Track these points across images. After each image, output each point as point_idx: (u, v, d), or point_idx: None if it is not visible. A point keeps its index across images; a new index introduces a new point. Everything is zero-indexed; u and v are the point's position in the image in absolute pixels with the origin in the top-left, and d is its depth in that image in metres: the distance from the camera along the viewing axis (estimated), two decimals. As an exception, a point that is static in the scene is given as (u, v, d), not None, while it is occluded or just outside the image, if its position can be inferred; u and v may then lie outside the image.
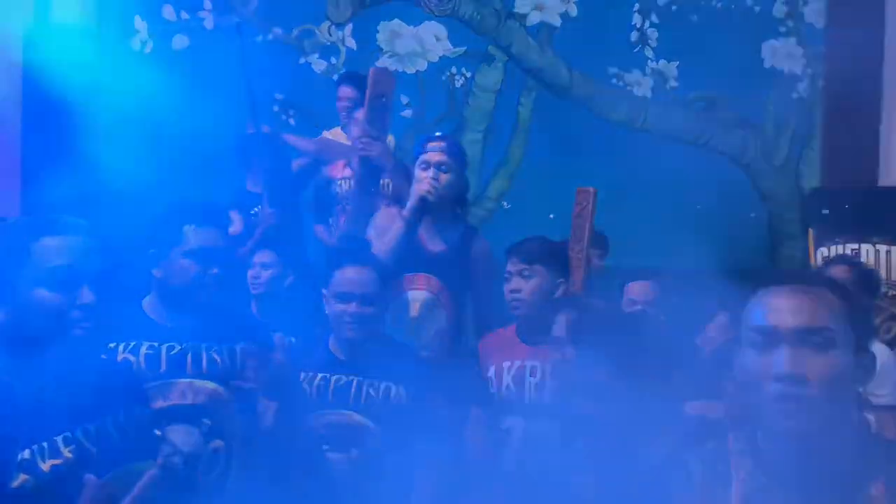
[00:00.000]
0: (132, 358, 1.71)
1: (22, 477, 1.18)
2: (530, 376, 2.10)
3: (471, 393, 2.25)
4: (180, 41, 4.40)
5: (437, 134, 2.56)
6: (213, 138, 3.85)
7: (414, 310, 2.35)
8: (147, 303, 1.81)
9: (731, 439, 1.09)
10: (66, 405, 1.28)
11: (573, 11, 4.78)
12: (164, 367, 1.72)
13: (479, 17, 4.69)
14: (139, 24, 4.34)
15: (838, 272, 2.71)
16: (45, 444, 1.22)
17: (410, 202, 2.34)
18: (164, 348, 1.75)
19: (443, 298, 2.37)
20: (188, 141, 3.89)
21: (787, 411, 0.98)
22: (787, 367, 0.98)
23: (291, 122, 4.37)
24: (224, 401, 1.76)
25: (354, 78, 3.37)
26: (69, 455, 1.24)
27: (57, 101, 4.01)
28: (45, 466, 1.21)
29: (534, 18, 4.76)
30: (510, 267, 2.17)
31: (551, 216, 4.45)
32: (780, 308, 1.01)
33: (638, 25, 4.87)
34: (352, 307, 1.90)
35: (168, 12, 4.37)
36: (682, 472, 1.11)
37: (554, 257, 2.18)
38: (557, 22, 4.78)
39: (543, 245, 2.19)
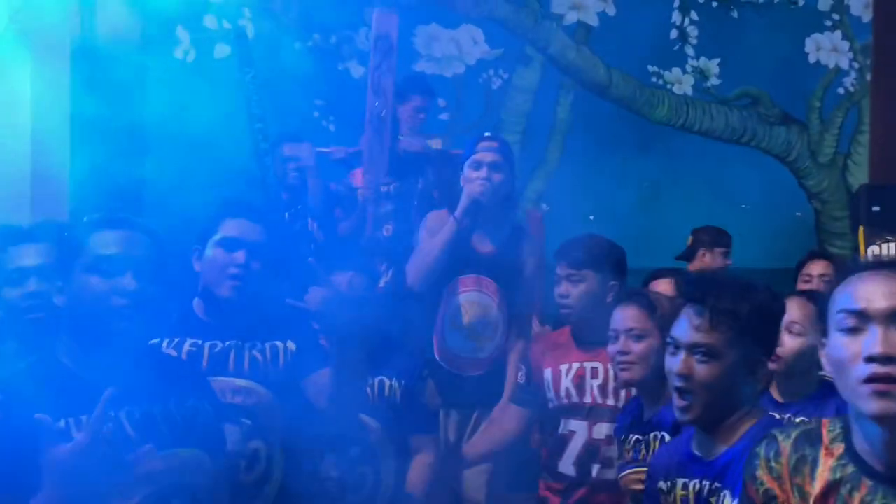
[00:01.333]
0: (175, 354, 1.69)
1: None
2: (592, 378, 2.06)
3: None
4: (222, 50, 4.50)
5: (488, 134, 2.48)
6: (255, 146, 3.92)
7: (468, 312, 2.31)
8: (196, 301, 1.79)
9: (823, 423, 1.10)
10: (119, 388, 1.25)
11: (611, 10, 4.79)
12: (205, 364, 1.70)
13: (515, 18, 4.70)
14: (181, 33, 4.45)
15: None
16: (83, 418, 1.21)
17: (463, 202, 2.30)
18: (206, 346, 1.73)
19: (496, 299, 2.33)
20: (229, 150, 3.93)
21: (878, 392, 0.98)
22: (879, 348, 0.99)
23: (331, 128, 4.44)
24: (265, 400, 1.73)
25: (420, 83, 3.43)
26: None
27: (103, 113, 4.13)
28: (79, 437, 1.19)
29: (571, 18, 4.78)
30: (559, 271, 2.12)
31: (591, 217, 4.47)
32: (872, 291, 1.02)
33: (677, 23, 4.86)
34: (239, 257, 1.69)
35: (210, 21, 4.47)
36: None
37: (605, 259, 2.11)
38: (595, 21, 4.79)
39: (593, 247, 2.12)
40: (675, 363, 1.33)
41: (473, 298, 2.33)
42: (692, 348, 1.32)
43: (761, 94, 4.89)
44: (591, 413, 2.04)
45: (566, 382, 2.07)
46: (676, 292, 1.41)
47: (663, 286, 2.50)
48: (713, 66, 4.86)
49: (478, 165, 2.32)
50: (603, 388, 2.04)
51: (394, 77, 2.90)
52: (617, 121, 4.74)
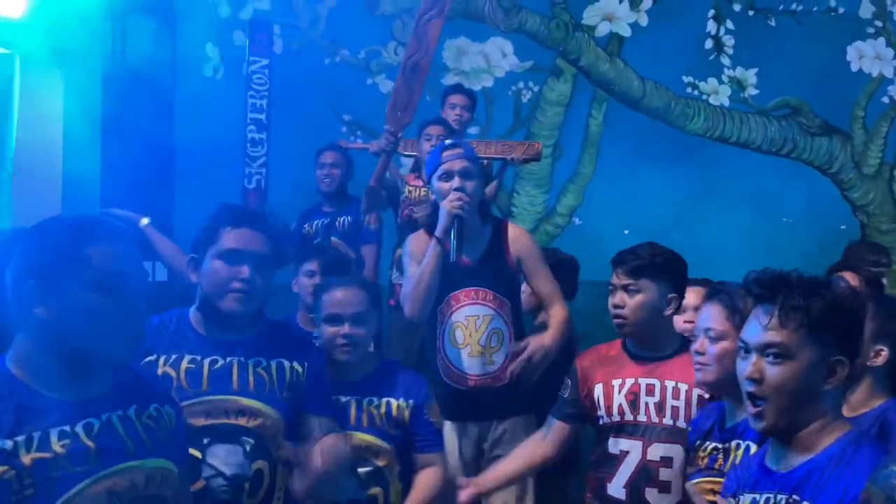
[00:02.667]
0: (172, 373, 1.59)
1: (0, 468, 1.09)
2: (647, 395, 1.95)
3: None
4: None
5: (448, 141, 2.35)
6: (283, 160, 3.92)
7: (468, 328, 2.20)
8: (192, 313, 1.65)
9: None
10: (79, 399, 1.19)
11: (644, 21, 4.77)
12: (205, 383, 1.58)
13: (545, 30, 4.68)
14: (211, 50, 4.50)
15: None
16: (34, 436, 1.13)
17: (443, 222, 2.15)
18: (206, 363, 1.60)
19: (496, 306, 2.21)
20: (256, 165, 3.94)
21: None
22: None
23: (359, 142, 4.42)
24: (271, 422, 1.60)
25: (462, 87, 3.46)
26: (60, 450, 1.14)
27: (133, 128, 4.17)
28: (27, 459, 1.11)
29: (603, 29, 4.76)
30: (614, 279, 1.96)
31: (626, 232, 4.38)
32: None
33: (713, 32, 4.81)
34: (243, 271, 1.65)
35: (239, 38, 4.51)
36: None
37: (665, 269, 1.97)
38: (627, 32, 4.76)
39: (654, 255, 1.97)
40: (745, 367, 1.26)
41: (471, 312, 2.22)
42: (762, 349, 1.24)
43: (801, 103, 4.82)
44: (645, 432, 1.92)
45: (619, 399, 1.95)
46: (745, 292, 1.32)
47: (692, 296, 2.42)
48: (750, 75, 4.80)
49: (447, 176, 2.18)
50: (660, 407, 1.92)
51: (440, 28, 2.87)
52: (651, 133, 4.70)
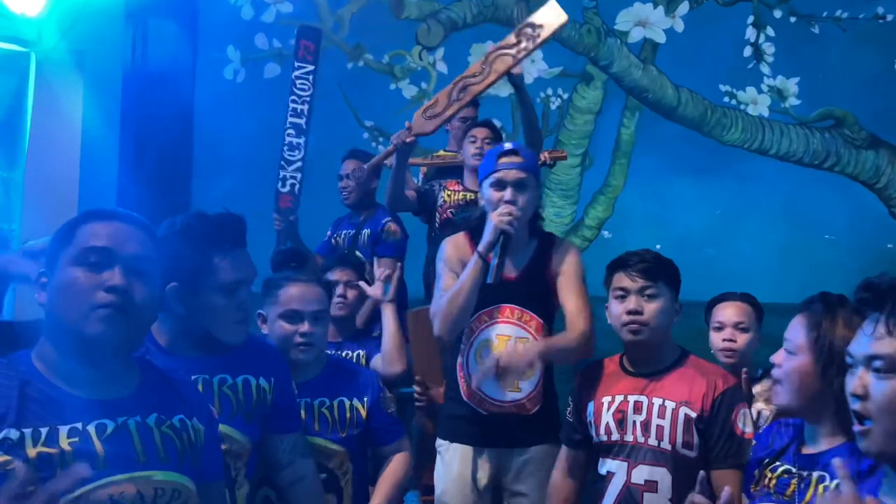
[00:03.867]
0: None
1: (2, 457, 1.06)
2: (635, 413, 1.85)
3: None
4: (272, 70, 4.52)
5: (508, 146, 2.11)
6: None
7: (502, 347, 2.02)
8: (155, 325, 1.52)
9: None
10: (99, 398, 1.16)
11: (679, 26, 4.65)
12: None
13: (576, 35, 4.59)
14: (232, 53, 4.49)
15: None
16: (42, 430, 1.10)
17: (488, 236, 1.99)
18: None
19: (532, 328, 2.05)
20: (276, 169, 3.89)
21: None
22: None
23: (381, 148, 4.36)
24: (236, 445, 1.51)
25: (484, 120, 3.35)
26: (67, 448, 1.10)
27: (153, 136, 4.18)
28: (32, 452, 1.08)
29: (636, 35, 4.65)
30: (626, 283, 1.86)
31: (658, 247, 4.20)
32: None
33: (752, 39, 4.67)
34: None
35: (261, 41, 4.49)
36: None
37: (673, 276, 1.91)
38: (662, 38, 4.65)
39: (664, 260, 1.91)
40: (851, 382, 1.17)
41: (503, 331, 2.05)
42: (868, 362, 1.14)
43: (846, 114, 4.65)
44: (631, 453, 1.84)
45: (607, 417, 1.87)
46: (855, 301, 1.22)
47: (730, 310, 2.30)
48: (791, 85, 4.66)
49: (500, 185, 2.03)
50: (646, 426, 1.83)
51: (509, 66, 2.71)
52: (686, 143, 4.58)
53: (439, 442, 2.14)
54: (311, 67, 3.60)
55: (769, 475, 1.50)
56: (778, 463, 1.50)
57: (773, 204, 4.53)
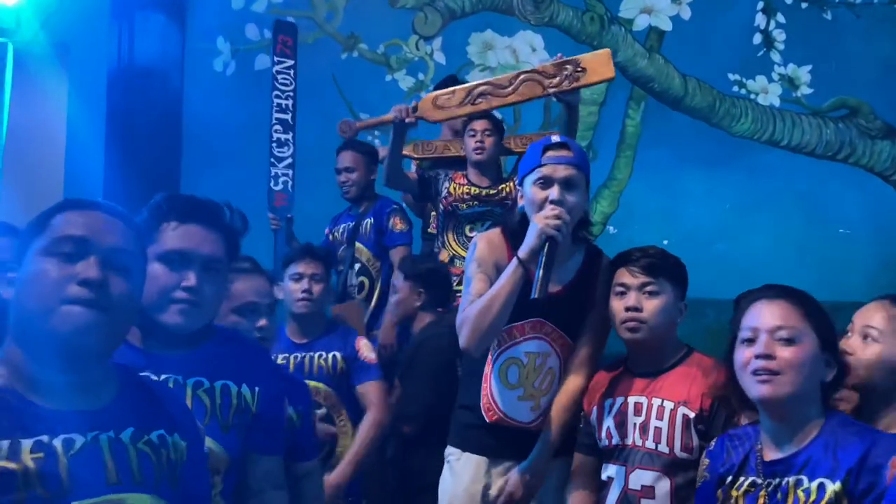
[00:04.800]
0: None
1: None
2: (634, 415, 1.77)
3: None
4: (263, 61, 4.45)
5: (556, 138, 1.88)
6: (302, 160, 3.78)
7: (530, 366, 1.89)
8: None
9: None
10: (69, 409, 1.05)
11: (686, 13, 4.55)
12: None
13: (579, 24, 4.49)
14: (222, 44, 4.39)
15: None
16: (3, 443, 0.99)
17: (531, 241, 1.76)
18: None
19: (559, 347, 1.90)
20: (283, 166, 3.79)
21: None
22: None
23: (377, 142, 4.27)
24: (213, 459, 1.36)
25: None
26: (31, 465, 0.99)
27: (140, 131, 4.11)
28: None
29: (641, 23, 4.56)
30: (626, 279, 1.80)
31: (665, 242, 4.15)
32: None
33: (761, 26, 4.57)
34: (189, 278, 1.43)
35: (251, 31, 4.40)
36: None
37: (678, 273, 1.83)
38: (668, 26, 4.55)
39: (668, 257, 1.83)
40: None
41: (532, 349, 1.88)
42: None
43: (860, 104, 4.55)
44: (629, 457, 1.76)
45: (608, 421, 1.81)
46: None
47: (876, 314, 2.16)
48: (803, 73, 4.56)
49: (546, 182, 1.81)
50: (644, 428, 1.75)
51: (534, 91, 2.56)
52: (694, 135, 4.48)
53: (449, 450, 2.01)
54: (290, 62, 3.58)
55: (735, 494, 1.42)
56: (742, 478, 1.42)
57: (785, 197, 4.42)
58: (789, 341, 1.37)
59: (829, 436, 1.35)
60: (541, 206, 1.81)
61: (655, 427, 1.73)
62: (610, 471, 1.78)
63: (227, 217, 1.44)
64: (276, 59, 3.58)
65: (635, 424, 1.76)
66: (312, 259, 2.50)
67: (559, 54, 2.54)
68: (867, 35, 4.52)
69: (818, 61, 4.53)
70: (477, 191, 3.05)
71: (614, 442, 1.79)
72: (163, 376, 1.37)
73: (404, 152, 3.25)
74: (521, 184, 1.91)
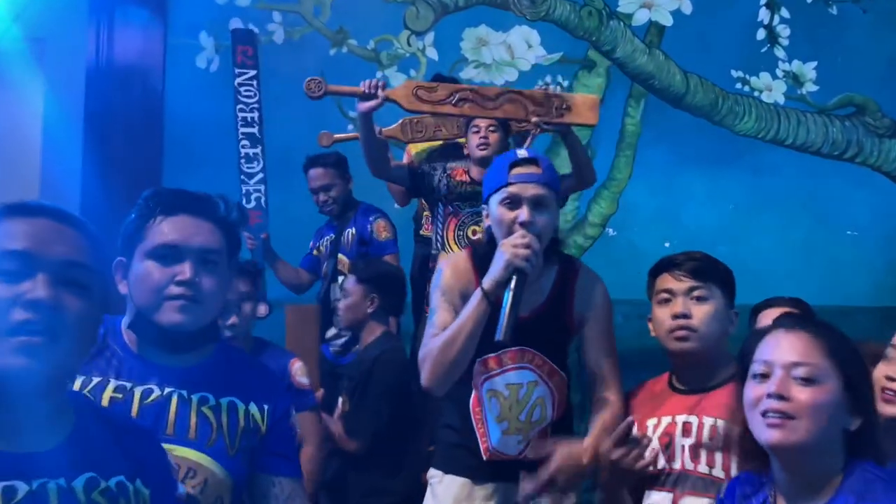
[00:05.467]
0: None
1: None
2: (683, 436, 1.62)
3: None
4: None
5: (523, 153, 1.76)
6: (282, 161, 3.65)
7: (513, 398, 1.75)
8: (125, 329, 1.32)
9: None
10: (14, 452, 0.94)
11: (687, 8, 4.46)
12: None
13: (576, 19, 4.40)
14: (205, 40, 4.28)
15: None
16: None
17: (497, 272, 1.64)
18: (137, 392, 1.26)
19: (545, 373, 1.75)
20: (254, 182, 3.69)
21: None
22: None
23: (350, 127, 4.14)
24: (213, 480, 1.26)
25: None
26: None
27: (120, 130, 4.01)
28: None
29: (641, 17, 4.46)
30: (671, 284, 1.67)
31: (666, 245, 4.08)
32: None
33: (765, 21, 4.49)
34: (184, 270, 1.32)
35: (236, 26, 4.25)
36: None
37: (728, 279, 1.71)
38: (669, 21, 4.46)
39: (717, 262, 1.70)
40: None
41: (514, 379, 1.74)
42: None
43: (867, 101, 4.48)
44: (678, 482, 1.62)
45: (653, 441, 1.66)
46: None
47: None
48: (808, 70, 4.48)
49: (514, 202, 1.70)
50: (695, 451, 1.61)
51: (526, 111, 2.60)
52: (695, 133, 4.40)
53: (432, 472, 1.89)
54: (253, 73, 3.46)
55: None
56: None
57: (791, 198, 4.35)
58: (808, 381, 1.22)
59: (850, 493, 1.19)
60: (509, 228, 1.70)
61: (708, 449, 1.60)
62: (655, 498, 1.64)
63: (220, 208, 1.33)
64: (236, 70, 3.45)
65: (684, 446, 1.61)
66: (240, 276, 2.32)
67: (548, 84, 2.56)
68: (874, 30, 4.45)
69: (824, 57, 4.46)
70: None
71: (660, 466, 1.64)
72: (166, 390, 1.27)
73: (388, 134, 3.13)
74: (486, 202, 1.79)
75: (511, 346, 1.74)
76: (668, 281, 1.69)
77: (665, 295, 1.69)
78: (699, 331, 1.64)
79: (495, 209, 1.74)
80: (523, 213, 1.69)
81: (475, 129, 2.90)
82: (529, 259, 1.64)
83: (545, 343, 1.78)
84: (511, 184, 1.72)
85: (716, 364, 1.67)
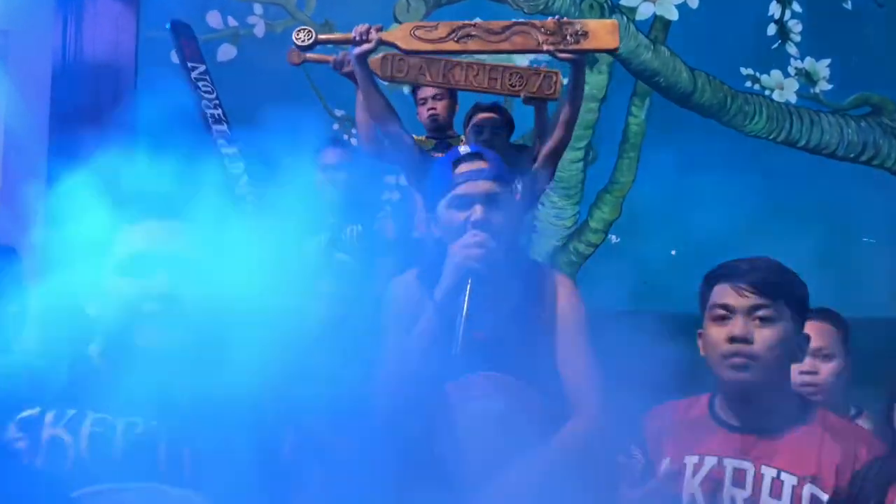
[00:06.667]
0: (67, 437, 1.17)
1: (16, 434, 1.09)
2: (734, 486, 1.39)
3: None
4: (227, 52, 4.19)
5: (465, 149, 1.66)
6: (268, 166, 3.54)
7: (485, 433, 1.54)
8: (93, 350, 1.27)
9: None
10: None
11: (693, 2, 4.42)
12: (117, 458, 1.18)
13: (577, 12, 4.38)
14: (180, 34, 4.11)
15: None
16: (70, 412, 1.12)
17: (448, 279, 1.51)
18: (119, 425, 1.21)
19: (521, 400, 1.51)
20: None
21: None
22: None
23: (353, 141, 4.03)
24: None
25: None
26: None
27: (88, 130, 3.85)
28: (45, 434, 1.10)
29: (645, 11, 4.42)
30: (731, 299, 1.43)
31: (672, 252, 3.99)
32: None
33: (776, 16, 4.47)
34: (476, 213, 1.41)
35: (214, 19, 4.15)
36: None
37: (801, 295, 1.47)
38: (674, 15, 4.42)
39: (784, 271, 1.47)
40: None
41: (479, 411, 1.50)
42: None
43: (884, 101, 4.46)
44: None
45: (692, 485, 1.43)
46: None
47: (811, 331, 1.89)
48: (822, 67, 4.46)
49: (463, 202, 1.57)
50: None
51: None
52: (703, 134, 4.35)
53: None
54: (203, 66, 3.33)
55: None
56: None
57: (804, 202, 4.28)
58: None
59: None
60: (460, 232, 1.55)
61: None
62: None
63: None
64: (189, 65, 3.29)
65: (734, 498, 1.40)
66: None
67: (558, 17, 2.38)
68: (890, 26, 4.41)
69: (838, 54, 4.43)
70: None
71: None
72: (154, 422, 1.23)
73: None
74: (431, 210, 1.64)
75: (475, 369, 1.55)
76: (726, 294, 1.45)
77: (722, 311, 1.45)
78: (761, 359, 1.40)
79: (443, 214, 1.61)
80: (476, 212, 1.56)
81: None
82: (480, 259, 1.49)
83: (515, 361, 1.57)
84: (457, 184, 1.59)
85: (780, 400, 1.45)
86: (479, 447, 1.54)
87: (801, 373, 1.83)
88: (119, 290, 1.23)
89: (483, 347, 1.50)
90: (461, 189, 1.59)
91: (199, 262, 1.30)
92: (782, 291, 1.44)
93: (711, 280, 1.50)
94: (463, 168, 1.61)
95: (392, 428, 1.56)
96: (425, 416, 1.57)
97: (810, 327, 1.67)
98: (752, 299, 1.42)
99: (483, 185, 1.58)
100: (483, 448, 1.54)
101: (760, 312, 1.42)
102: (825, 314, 1.94)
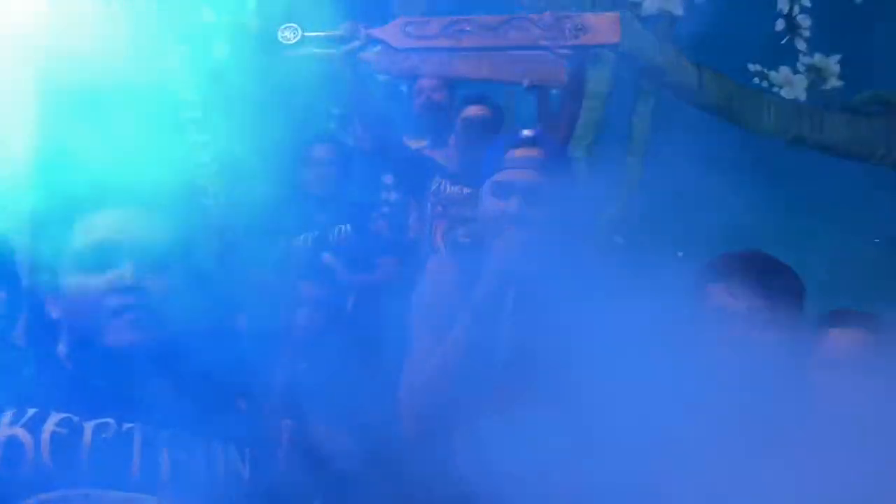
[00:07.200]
0: (27, 438, 1.12)
1: None
2: None
3: None
4: (222, 49, 4.18)
5: (528, 132, 1.56)
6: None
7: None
8: (63, 349, 1.25)
9: None
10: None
11: (700, -4, 4.50)
12: (84, 463, 1.13)
13: (579, 7, 4.27)
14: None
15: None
16: (30, 411, 1.10)
17: (489, 282, 1.40)
18: (89, 428, 1.16)
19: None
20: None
21: None
22: None
23: (351, 141, 4.01)
24: None
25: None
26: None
27: (73, 124, 3.82)
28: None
29: (650, 7, 4.44)
30: (727, 301, 1.41)
31: (679, 254, 3.91)
32: None
33: (785, 11, 4.47)
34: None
35: (208, 16, 4.15)
36: None
37: (798, 294, 1.44)
38: (680, 10, 4.44)
39: (782, 268, 1.45)
40: None
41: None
42: None
43: (898, 98, 4.48)
44: None
45: None
46: None
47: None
48: (832, 63, 4.46)
49: (504, 190, 1.49)
50: None
51: None
52: (710, 132, 4.33)
53: None
54: None
55: None
56: None
57: (815, 203, 4.26)
58: None
59: None
60: (496, 225, 1.47)
61: None
62: None
63: None
64: None
65: None
66: None
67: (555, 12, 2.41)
68: None
69: (849, 50, 4.43)
70: (469, 190, 2.79)
71: None
72: (125, 424, 1.19)
73: None
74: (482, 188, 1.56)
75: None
76: (723, 296, 1.42)
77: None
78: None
79: (486, 198, 1.53)
80: (512, 205, 1.46)
81: (466, 124, 2.83)
82: (523, 259, 1.40)
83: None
84: (505, 168, 1.51)
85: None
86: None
87: None
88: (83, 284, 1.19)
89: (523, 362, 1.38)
90: (503, 175, 1.50)
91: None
92: (783, 291, 1.44)
93: (703, 279, 1.46)
94: (514, 154, 1.52)
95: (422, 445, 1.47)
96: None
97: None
98: (751, 298, 1.40)
99: (526, 175, 1.49)
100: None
101: (757, 313, 1.40)
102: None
